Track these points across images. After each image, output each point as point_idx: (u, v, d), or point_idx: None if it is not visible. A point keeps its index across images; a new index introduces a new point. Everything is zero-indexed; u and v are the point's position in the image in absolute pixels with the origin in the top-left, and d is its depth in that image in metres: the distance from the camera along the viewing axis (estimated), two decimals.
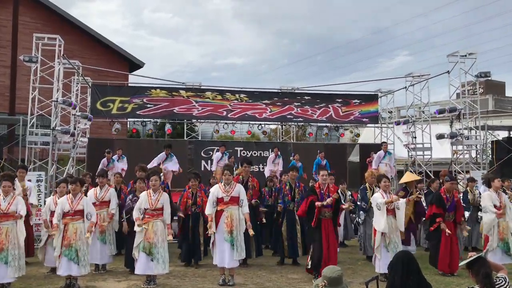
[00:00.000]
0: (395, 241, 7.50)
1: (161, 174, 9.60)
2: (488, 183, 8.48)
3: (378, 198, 7.64)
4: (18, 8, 16.18)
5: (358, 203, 9.45)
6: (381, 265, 7.49)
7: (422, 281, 4.02)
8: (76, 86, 14.91)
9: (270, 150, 14.44)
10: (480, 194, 9.94)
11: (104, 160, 12.57)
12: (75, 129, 13.73)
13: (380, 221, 7.53)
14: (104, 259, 8.25)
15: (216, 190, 7.40)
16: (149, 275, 7.15)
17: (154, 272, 7.07)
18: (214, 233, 7.23)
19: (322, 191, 7.55)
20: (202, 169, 14.13)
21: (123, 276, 7.78)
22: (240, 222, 7.30)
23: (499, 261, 7.95)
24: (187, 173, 10.26)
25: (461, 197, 9.67)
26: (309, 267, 7.62)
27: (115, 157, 12.68)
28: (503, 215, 8.25)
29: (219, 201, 7.33)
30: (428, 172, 14.58)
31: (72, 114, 14.08)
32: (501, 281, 3.95)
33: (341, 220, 10.34)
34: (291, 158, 13.54)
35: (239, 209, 7.33)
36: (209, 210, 7.31)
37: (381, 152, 13.88)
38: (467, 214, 9.75)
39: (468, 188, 10.49)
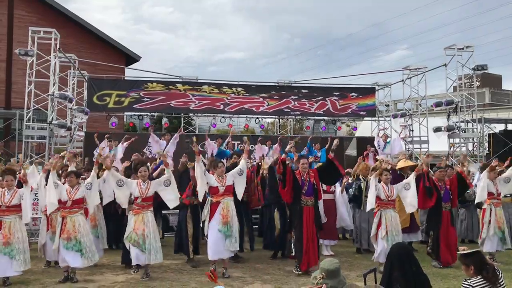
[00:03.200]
0: (393, 234, 7.53)
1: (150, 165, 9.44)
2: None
3: (379, 185, 7.71)
4: (13, 2, 16.09)
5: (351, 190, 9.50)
6: (377, 254, 7.58)
7: (420, 273, 4.04)
8: (73, 80, 14.86)
9: (265, 144, 14.41)
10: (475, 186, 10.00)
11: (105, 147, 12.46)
12: (71, 123, 13.68)
13: (369, 198, 7.76)
14: (98, 252, 8.21)
15: (211, 176, 7.45)
16: (142, 267, 7.24)
17: (146, 262, 7.13)
18: (208, 225, 7.29)
19: (302, 178, 7.60)
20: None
21: (120, 270, 7.78)
22: (234, 213, 7.40)
23: (496, 248, 8.30)
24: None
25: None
26: (292, 254, 7.74)
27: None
28: (499, 204, 8.40)
29: (213, 191, 7.38)
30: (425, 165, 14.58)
31: (69, 108, 14.04)
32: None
33: (345, 211, 10.16)
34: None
35: (233, 201, 7.45)
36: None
37: (381, 142, 13.95)
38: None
39: None
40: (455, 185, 8.44)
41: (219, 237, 7.23)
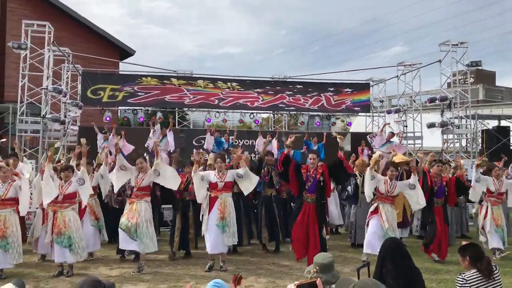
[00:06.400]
0: (391, 229, 7.49)
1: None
2: (489, 170, 8.71)
3: (378, 177, 7.69)
4: None
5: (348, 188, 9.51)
6: (368, 245, 7.59)
7: (412, 268, 4.06)
8: (66, 73, 14.79)
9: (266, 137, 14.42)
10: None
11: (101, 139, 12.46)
12: (65, 117, 13.62)
13: (366, 191, 7.72)
14: (96, 246, 8.24)
15: (210, 173, 7.54)
16: (136, 261, 7.38)
17: (137, 249, 7.20)
18: (207, 219, 7.36)
19: (308, 173, 7.46)
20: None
21: (115, 264, 7.78)
22: (232, 209, 7.46)
23: (496, 245, 8.28)
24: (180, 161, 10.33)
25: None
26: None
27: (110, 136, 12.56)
28: (497, 203, 8.45)
29: (213, 186, 7.45)
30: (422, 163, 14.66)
31: (63, 102, 13.97)
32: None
33: (334, 206, 10.27)
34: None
35: (231, 197, 7.52)
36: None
37: (384, 139, 14.05)
38: None
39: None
40: (453, 188, 8.39)
41: (217, 232, 7.32)
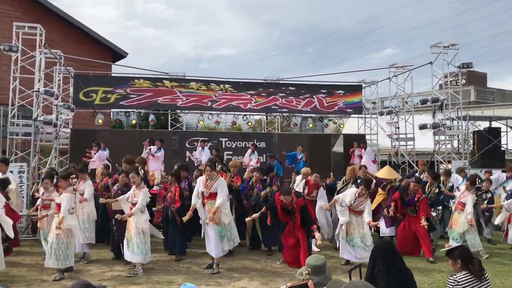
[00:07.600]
0: (360, 236, 7.80)
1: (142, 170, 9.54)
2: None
3: (345, 197, 8.04)
4: None
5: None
6: (342, 252, 8.04)
7: (404, 269, 4.09)
8: (58, 76, 14.70)
9: (254, 140, 14.46)
10: (451, 187, 10.25)
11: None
12: (57, 119, 13.54)
13: (342, 215, 8.05)
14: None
15: (199, 183, 7.70)
16: (130, 264, 7.49)
17: (128, 259, 7.42)
18: (205, 223, 7.52)
19: (283, 208, 7.69)
20: (187, 160, 14.10)
21: (107, 266, 7.75)
22: (223, 213, 7.53)
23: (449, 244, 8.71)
24: (172, 163, 10.40)
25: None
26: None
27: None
28: (458, 208, 8.93)
29: (202, 194, 7.61)
30: (411, 162, 14.77)
31: (55, 105, 13.88)
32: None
33: (323, 218, 10.24)
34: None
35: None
36: (193, 200, 7.65)
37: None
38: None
39: (442, 179, 10.58)
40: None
41: (213, 236, 7.42)
